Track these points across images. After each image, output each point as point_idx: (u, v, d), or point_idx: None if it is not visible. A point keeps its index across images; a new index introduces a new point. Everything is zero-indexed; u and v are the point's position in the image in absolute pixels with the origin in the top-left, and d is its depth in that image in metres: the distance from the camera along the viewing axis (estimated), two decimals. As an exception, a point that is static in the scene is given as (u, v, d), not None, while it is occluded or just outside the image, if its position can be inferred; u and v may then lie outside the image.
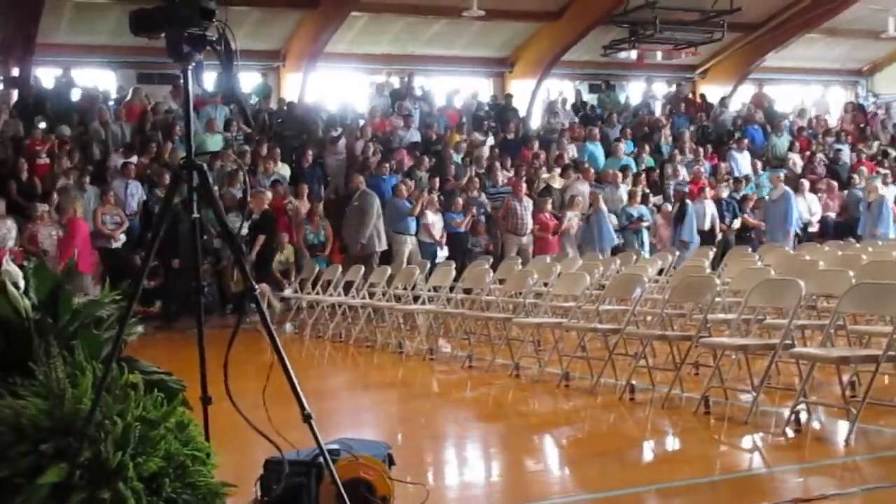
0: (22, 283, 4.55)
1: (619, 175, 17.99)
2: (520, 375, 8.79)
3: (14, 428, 3.95)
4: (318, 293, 13.45)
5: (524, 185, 16.94)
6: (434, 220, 16.44)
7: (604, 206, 16.44)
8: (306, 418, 4.07)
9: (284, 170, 17.21)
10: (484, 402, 8.29)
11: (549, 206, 16.77)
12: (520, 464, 5.87)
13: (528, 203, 16.71)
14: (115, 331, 4.54)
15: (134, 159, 16.35)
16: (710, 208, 16.88)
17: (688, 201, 16.68)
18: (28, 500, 3.77)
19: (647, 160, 19.52)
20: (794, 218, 16.57)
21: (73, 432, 3.94)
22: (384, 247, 15.33)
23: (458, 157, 18.65)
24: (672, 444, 6.45)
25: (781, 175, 17.52)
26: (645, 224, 16.98)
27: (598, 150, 19.54)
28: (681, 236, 16.20)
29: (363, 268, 13.11)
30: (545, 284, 10.36)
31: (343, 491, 4.06)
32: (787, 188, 16.83)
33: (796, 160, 20.30)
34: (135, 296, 4.39)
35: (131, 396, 4.15)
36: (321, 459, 4.17)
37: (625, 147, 19.58)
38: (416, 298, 11.88)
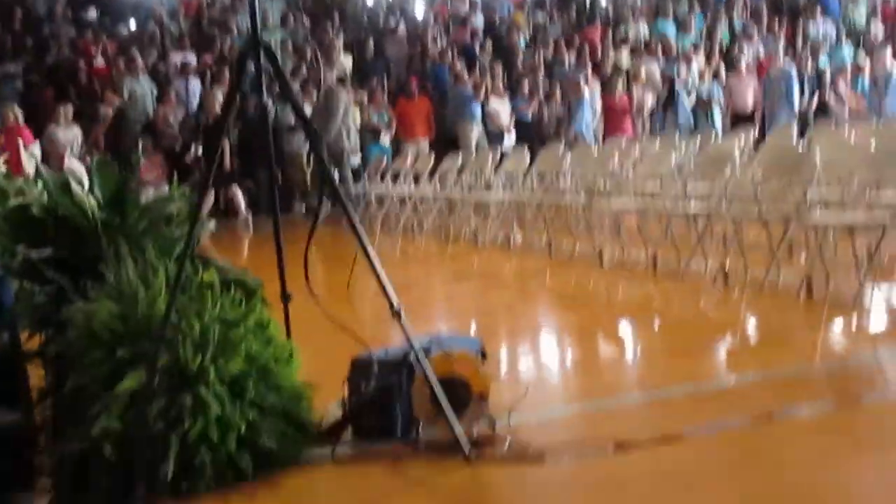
0: (86, 181, 4.30)
1: (692, 51, 17.24)
2: (602, 262, 8.46)
3: (87, 333, 3.74)
4: (385, 185, 13.17)
5: (591, 67, 16.35)
6: (499, 107, 15.99)
7: (677, 85, 15.80)
8: (395, 313, 3.79)
9: (347, 61, 16.81)
10: (566, 291, 7.98)
11: (620, 88, 16.15)
12: (610, 354, 5.59)
13: (595, 85, 16.14)
14: (186, 228, 4.30)
15: (193, 57, 16.06)
16: (789, 83, 16.10)
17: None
18: (107, 408, 3.57)
19: (722, 34, 18.62)
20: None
21: (149, 336, 3.71)
22: (354, 146, 14.79)
23: (522, 41, 18.04)
24: (773, 330, 6.06)
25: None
26: (717, 102, 16.27)
27: (669, 26, 18.71)
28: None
29: (432, 158, 12.76)
30: (620, 167, 9.94)
31: (438, 389, 3.80)
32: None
33: (878, 31, 19.24)
34: (205, 188, 4.11)
35: (208, 296, 3.91)
36: (412, 357, 3.91)
37: (696, 22, 18.75)
38: (487, 187, 11.51)
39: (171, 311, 3.69)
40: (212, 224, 4.48)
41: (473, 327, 6.61)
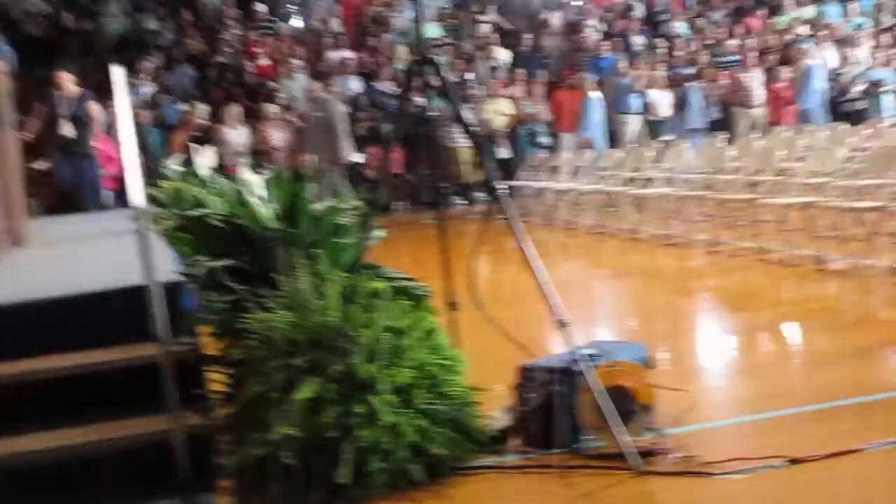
0: (261, 192, 4.47)
1: (860, 34, 16.55)
2: (766, 259, 8.25)
3: (267, 342, 3.89)
4: (544, 179, 13.17)
5: (754, 54, 15.91)
6: (659, 97, 15.75)
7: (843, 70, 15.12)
8: (561, 325, 3.81)
9: (504, 54, 16.85)
10: (730, 290, 7.82)
11: (783, 74, 15.66)
12: (778, 359, 5.43)
13: (758, 72, 15.71)
14: (356, 237, 4.43)
15: (352, 54, 16.37)
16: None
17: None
18: (285, 415, 3.71)
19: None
20: None
21: (324, 345, 3.84)
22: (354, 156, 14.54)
23: (683, 28, 17.70)
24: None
25: None
26: (888, 88, 15.56)
27: (833, 9, 18.01)
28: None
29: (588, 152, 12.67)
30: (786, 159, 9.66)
31: (604, 400, 3.80)
32: None
33: None
34: (376, 199, 4.20)
35: (377, 306, 4.01)
36: (578, 366, 3.92)
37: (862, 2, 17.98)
38: (647, 180, 11.36)
39: (343, 322, 3.80)
40: (381, 233, 4.59)
41: (635, 328, 6.57)
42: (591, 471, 3.76)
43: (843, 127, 11.88)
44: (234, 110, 14.26)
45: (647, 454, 3.82)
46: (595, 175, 12.22)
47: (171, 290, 4.36)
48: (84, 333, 4.07)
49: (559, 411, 4.02)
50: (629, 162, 11.85)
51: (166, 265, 4.26)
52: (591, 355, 4.13)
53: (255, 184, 4.52)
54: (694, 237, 9.57)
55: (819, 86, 15.36)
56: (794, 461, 3.66)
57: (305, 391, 3.69)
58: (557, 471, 3.79)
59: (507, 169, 14.34)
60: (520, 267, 3.89)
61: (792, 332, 6.12)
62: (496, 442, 4.06)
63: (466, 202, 14.37)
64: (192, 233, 4.47)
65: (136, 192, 4.00)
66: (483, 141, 3.83)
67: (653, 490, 3.58)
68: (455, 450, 3.86)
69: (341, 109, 14.50)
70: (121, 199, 10.99)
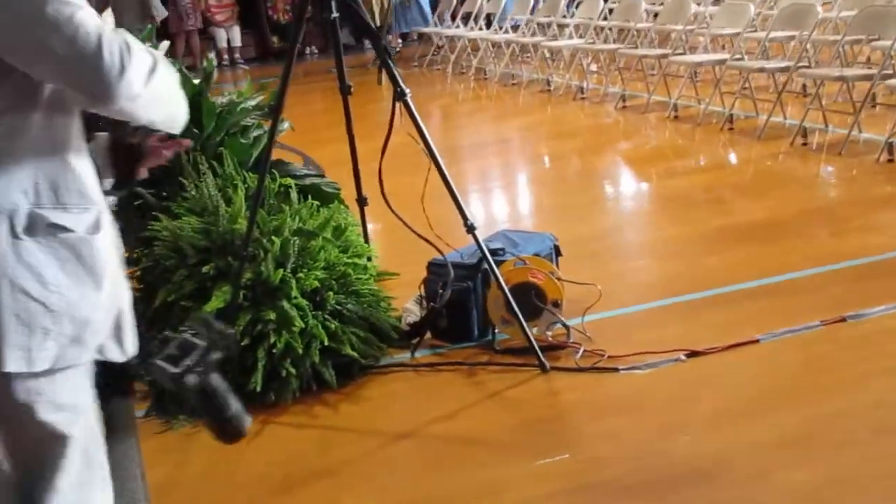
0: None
1: None
2: (678, 117, 8.34)
3: (174, 250, 3.86)
4: (457, 26, 12.95)
5: None
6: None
7: None
8: (470, 229, 3.84)
9: None
10: (641, 152, 7.90)
11: None
12: (687, 238, 5.50)
13: None
14: (262, 132, 4.36)
15: None
16: None
17: None
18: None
19: None
20: None
21: (232, 252, 3.83)
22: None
23: None
24: (855, 203, 5.93)
25: None
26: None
27: None
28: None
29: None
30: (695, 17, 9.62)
31: (511, 298, 3.88)
32: None
33: None
34: (284, 93, 4.06)
35: (286, 210, 3.99)
36: (485, 263, 3.98)
37: None
38: (561, 28, 11.25)
39: (252, 228, 3.79)
40: (287, 124, 4.50)
41: (544, 197, 6.65)
42: (500, 367, 3.87)
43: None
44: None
45: (554, 348, 3.95)
46: (508, 22, 12.05)
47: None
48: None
49: (469, 305, 4.11)
50: (542, 9, 11.68)
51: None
52: (498, 249, 4.20)
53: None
54: (607, 90, 9.59)
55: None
56: (693, 353, 3.82)
57: (216, 301, 3.70)
58: (467, 369, 3.90)
59: (421, 15, 14.06)
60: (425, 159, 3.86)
61: (696, 202, 6.20)
62: (408, 336, 4.14)
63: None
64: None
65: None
66: (388, 51, 3.67)
67: (559, 388, 3.71)
68: (367, 349, 3.93)
69: None
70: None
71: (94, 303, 1.87)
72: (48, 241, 1.81)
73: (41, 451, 1.93)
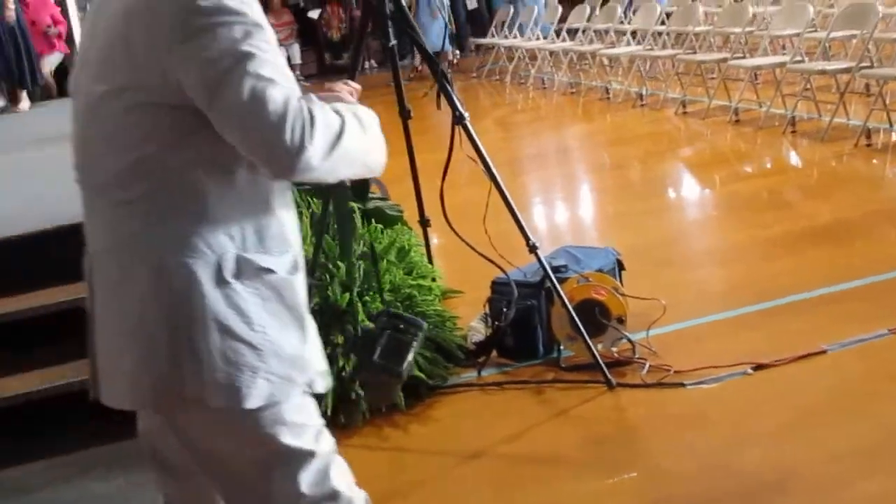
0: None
1: None
2: (739, 120, 8.28)
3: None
4: (515, 37, 12.98)
5: None
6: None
7: None
8: (532, 248, 3.89)
9: None
10: (702, 158, 7.86)
11: None
12: (752, 245, 5.45)
13: None
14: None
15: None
16: None
17: None
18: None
19: None
20: None
21: (300, 277, 3.90)
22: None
23: None
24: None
25: None
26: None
27: None
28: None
29: (559, 8, 12.44)
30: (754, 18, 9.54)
31: (575, 316, 3.91)
32: None
33: None
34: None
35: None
36: (549, 281, 4.01)
37: None
38: (619, 35, 11.23)
39: (318, 253, 3.87)
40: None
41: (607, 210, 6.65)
42: (567, 385, 3.90)
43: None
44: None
45: (620, 364, 3.97)
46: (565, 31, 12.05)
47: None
48: (16, 277, 3.97)
49: (533, 323, 4.14)
50: (599, 16, 11.67)
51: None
52: (560, 266, 4.23)
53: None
54: (666, 96, 9.56)
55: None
56: (759, 366, 3.81)
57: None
58: (534, 386, 3.94)
59: (478, 23, 14.12)
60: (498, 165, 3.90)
61: (760, 207, 6.17)
62: (474, 355, 4.18)
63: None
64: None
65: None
66: (446, 76, 3.75)
67: (626, 404, 3.72)
68: (434, 370, 3.99)
69: None
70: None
71: (297, 341, 1.94)
72: (253, 283, 1.88)
73: (263, 476, 1.97)
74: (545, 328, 4.15)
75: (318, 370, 1.99)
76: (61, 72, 10.55)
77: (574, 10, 12.02)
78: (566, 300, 3.93)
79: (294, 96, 1.78)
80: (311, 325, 2.00)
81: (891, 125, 7.08)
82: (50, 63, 10.49)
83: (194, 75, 1.77)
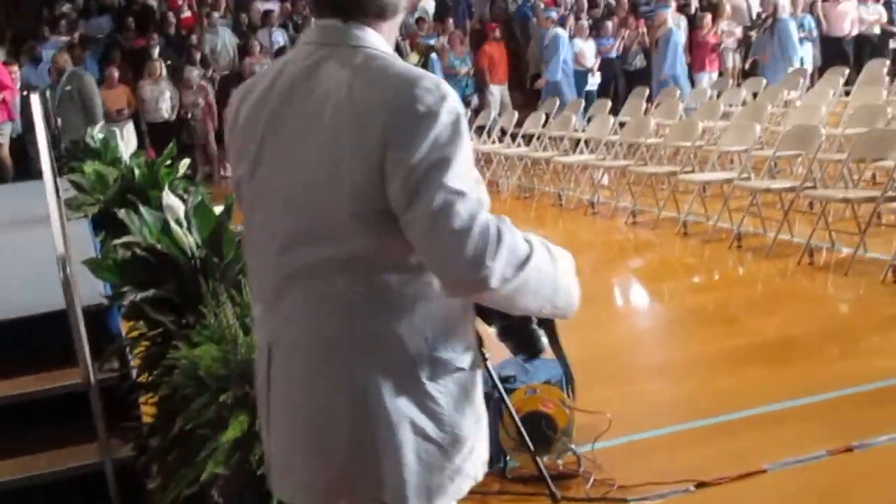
0: (183, 218, 4.49)
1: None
2: (688, 233, 8.46)
3: (193, 378, 3.95)
4: (471, 139, 13.19)
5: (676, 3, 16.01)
6: (584, 47, 15.79)
7: (784, 13, 14.96)
8: (483, 359, 3.92)
9: (429, 4, 16.77)
10: (651, 269, 8.01)
11: (708, 21, 15.68)
12: (697, 359, 5.56)
13: (682, 20, 15.83)
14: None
15: (276, 5, 16.16)
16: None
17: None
18: (213, 454, 3.79)
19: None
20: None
21: (250, 380, 3.91)
22: None
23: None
24: (865, 325, 5.99)
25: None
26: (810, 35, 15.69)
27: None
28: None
29: (516, 113, 12.73)
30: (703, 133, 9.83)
31: (522, 428, 3.94)
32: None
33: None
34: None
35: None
36: (497, 392, 4.04)
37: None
38: (574, 143, 11.47)
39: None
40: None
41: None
42: (512, 497, 3.92)
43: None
44: (153, 66, 13.97)
45: (565, 477, 4.00)
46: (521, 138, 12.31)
47: (97, 315, 4.43)
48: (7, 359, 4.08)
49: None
50: (554, 123, 11.93)
51: (91, 285, 4.33)
52: (509, 377, 4.27)
53: (178, 209, 4.53)
54: (617, 205, 9.75)
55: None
56: (701, 483, 3.87)
57: (232, 431, 3.77)
58: (480, 496, 3.94)
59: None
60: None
61: (707, 320, 6.29)
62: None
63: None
64: (118, 263, 4.49)
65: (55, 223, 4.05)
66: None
67: (570, 519, 3.75)
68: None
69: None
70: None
71: (476, 436, 1.98)
72: (445, 382, 1.90)
73: None
74: (493, 438, 4.16)
75: (485, 461, 2.02)
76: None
77: (530, 116, 12.29)
78: (513, 411, 3.96)
79: (483, 209, 1.75)
80: (485, 417, 2.03)
81: (832, 244, 7.27)
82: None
83: (398, 183, 1.75)
